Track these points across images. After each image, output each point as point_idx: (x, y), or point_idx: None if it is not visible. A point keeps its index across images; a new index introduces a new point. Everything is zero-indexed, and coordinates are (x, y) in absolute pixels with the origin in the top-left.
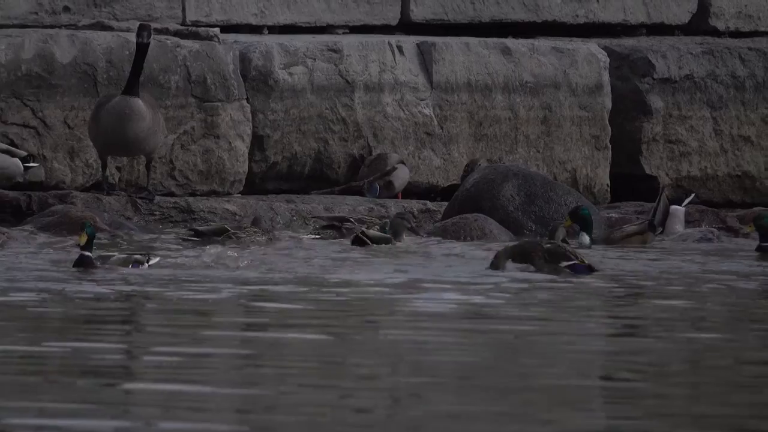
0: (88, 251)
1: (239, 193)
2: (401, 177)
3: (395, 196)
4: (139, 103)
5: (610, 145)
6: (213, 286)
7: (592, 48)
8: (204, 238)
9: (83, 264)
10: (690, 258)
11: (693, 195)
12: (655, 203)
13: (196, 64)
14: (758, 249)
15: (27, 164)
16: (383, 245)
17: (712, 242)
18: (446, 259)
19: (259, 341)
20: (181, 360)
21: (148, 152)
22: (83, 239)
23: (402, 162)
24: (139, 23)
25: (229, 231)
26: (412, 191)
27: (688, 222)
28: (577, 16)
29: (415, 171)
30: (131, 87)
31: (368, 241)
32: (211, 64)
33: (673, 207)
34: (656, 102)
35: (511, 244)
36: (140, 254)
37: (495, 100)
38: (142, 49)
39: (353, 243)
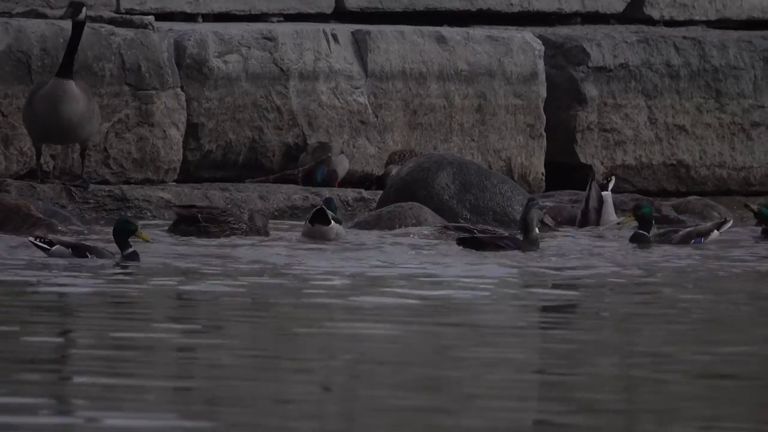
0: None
1: (174, 181)
2: (342, 166)
3: (334, 185)
4: (72, 86)
5: (544, 134)
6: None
7: (527, 36)
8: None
9: None
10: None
11: (614, 177)
12: (587, 192)
13: (130, 52)
14: (632, 239)
15: None
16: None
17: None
18: None
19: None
20: None
21: (83, 139)
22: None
23: (342, 152)
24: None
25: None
26: (347, 180)
27: (623, 211)
28: (512, 4)
29: (350, 160)
30: (65, 69)
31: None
32: (145, 52)
33: (604, 194)
34: (591, 90)
35: None
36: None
37: (430, 88)
38: (77, 29)
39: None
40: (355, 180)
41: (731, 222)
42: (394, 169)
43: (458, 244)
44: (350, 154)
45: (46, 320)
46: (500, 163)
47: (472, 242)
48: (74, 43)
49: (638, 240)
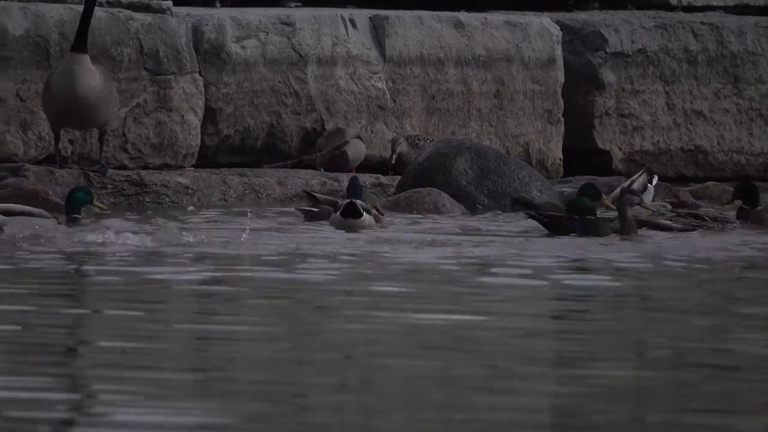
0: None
1: (192, 166)
2: (357, 151)
3: (349, 170)
4: (87, 60)
5: (562, 119)
6: None
7: (545, 22)
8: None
9: None
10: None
11: (656, 177)
12: (635, 176)
13: (148, 37)
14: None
15: None
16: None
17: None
18: None
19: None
20: None
21: (101, 123)
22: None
23: (359, 137)
24: None
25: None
26: (365, 165)
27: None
28: None
29: (368, 145)
30: (79, 43)
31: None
32: (163, 37)
33: (649, 185)
34: (609, 76)
35: None
36: None
37: (448, 73)
38: (89, 1)
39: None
40: (373, 165)
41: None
42: (399, 148)
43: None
44: (368, 139)
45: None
46: (518, 149)
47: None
48: (87, 17)
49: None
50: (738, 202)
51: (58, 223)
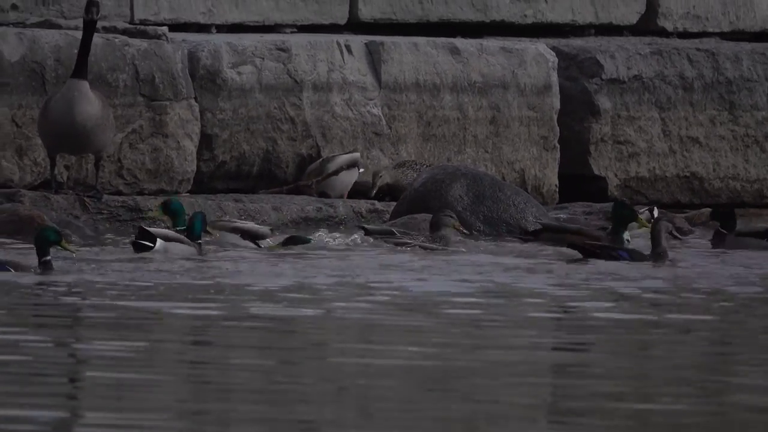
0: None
1: (187, 192)
2: (343, 182)
3: (340, 197)
4: (86, 86)
5: (558, 146)
6: None
7: (541, 48)
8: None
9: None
10: None
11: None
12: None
13: (144, 63)
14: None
15: None
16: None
17: None
18: None
19: None
20: None
21: (97, 149)
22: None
23: (353, 165)
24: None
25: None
26: (359, 191)
27: None
28: (526, 16)
29: (363, 171)
30: (79, 70)
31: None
32: (159, 63)
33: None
34: (605, 102)
35: None
36: None
37: (443, 100)
38: (89, 27)
39: None
40: (368, 191)
41: None
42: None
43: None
44: (364, 165)
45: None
46: (514, 175)
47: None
48: (86, 43)
49: None
50: (714, 224)
51: (34, 272)
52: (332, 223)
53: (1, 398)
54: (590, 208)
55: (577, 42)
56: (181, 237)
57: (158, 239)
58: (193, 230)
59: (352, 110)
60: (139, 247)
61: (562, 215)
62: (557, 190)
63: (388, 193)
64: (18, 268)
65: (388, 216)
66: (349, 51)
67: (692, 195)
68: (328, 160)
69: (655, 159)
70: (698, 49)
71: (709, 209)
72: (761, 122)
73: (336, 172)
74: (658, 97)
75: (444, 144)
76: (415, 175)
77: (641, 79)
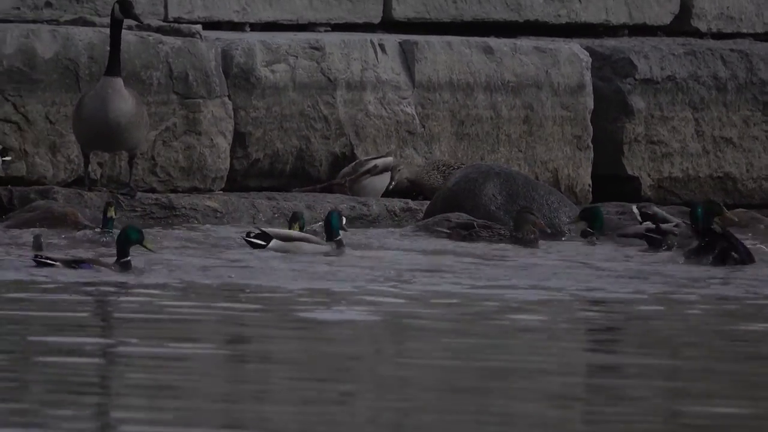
0: None
1: (221, 189)
2: (376, 185)
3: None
4: (120, 83)
5: (591, 146)
6: None
7: (574, 48)
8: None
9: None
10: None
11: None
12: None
13: (178, 61)
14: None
15: (2, 158)
16: None
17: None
18: None
19: None
20: None
21: (131, 146)
22: None
23: (387, 169)
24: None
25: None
26: (393, 190)
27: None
28: (559, 15)
29: (397, 170)
30: (112, 67)
31: None
32: (193, 61)
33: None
34: (638, 102)
35: None
36: None
37: (477, 99)
38: (117, 25)
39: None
40: (403, 189)
41: None
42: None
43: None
44: (394, 158)
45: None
46: (547, 174)
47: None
48: (116, 41)
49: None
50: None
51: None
52: (365, 222)
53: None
54: (623, 208)
55: (610, 42)
56: (308, 236)
57: (274, 239)
58: (331, 228)
59: (385, 109)
60: (253, 246)
61: None
62: (590, 189)
63: (411, 189)
64: (99, 265)
65: (421, 215)
66: (383, 50)
67: (725, 195)
68: (362, 164)
69: (689, 159)
70: (732, 50)
71: (742, 210)
72: None
73: (370, 171)
74: (691, 97)
75: (477, 143)
76: (441, 178)
77: (675, 79)
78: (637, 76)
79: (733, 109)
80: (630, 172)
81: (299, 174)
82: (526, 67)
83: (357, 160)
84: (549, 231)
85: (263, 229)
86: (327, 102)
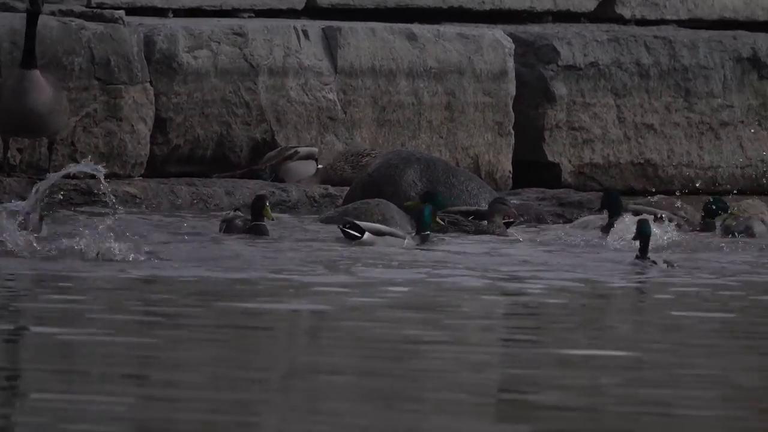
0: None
1: (140, 175)
2: (300, 172)
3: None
4: (37, 75)
5: (513, 132)
6: None
7: (498, 34)
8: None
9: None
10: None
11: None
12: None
13: (100, 47)
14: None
15: None
16: None
17: None
18: None
19: None
20: None
21: (51, 133)
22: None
23: (311, 157)
24: None
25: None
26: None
27: (589, 209)
28: (483, 2)
29: (318, 156)
30: (27, 60)
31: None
32: (115, 47)
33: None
34: (560, 89)
35: None
36: None
37: (399, 85)
38: (33, 17)
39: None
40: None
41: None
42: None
43: None
44: (319, 150)
45: None
46: (468, 161)
47: None
48: (31, 33)
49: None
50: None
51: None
52: (285, 207)
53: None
54: (543, 194)
55: (534, 28)
56: (394, 231)
57: (366, 232)
58: (422, 221)
59: (307, 95)
60: (348, 237)
61: (515, 201)
62: (511, 176)
63: (323, 182)
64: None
65: (341, 201)
66: (306, 36)
67: (646, 182)
68: (286, 149)
69: (610, 146)
70: (655, 37)
71: (662, 196)
72: (716, 110)
73: (291, 157)
74: (614, 84)
75: (398, 129)
76: (350, 169)
77: (597, 65)
78: (559, 63)
79: (656, 95)
80: (551, 159)
81: (220, 160)
82: (449, 53)
83: (282, 146)
84: (522, 219)
85: (356, 222)
86: (249, 88)
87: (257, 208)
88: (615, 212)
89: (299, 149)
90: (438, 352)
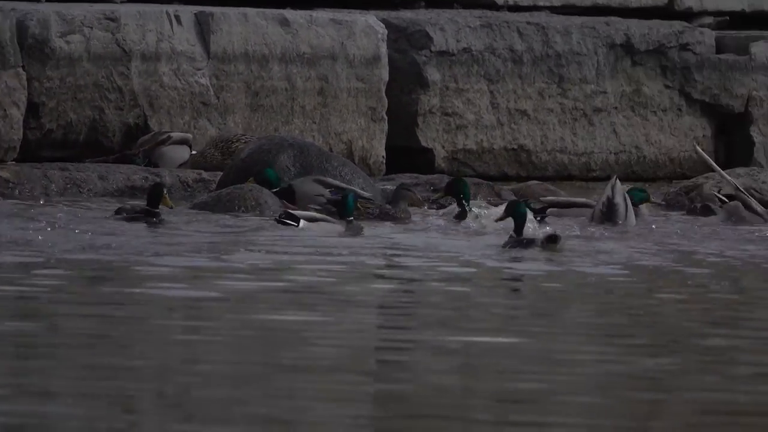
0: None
1: (13, 160)
2: (174, 156)
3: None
4: None
5: (386, 117)
6: None
7: (371, 20)
8: None
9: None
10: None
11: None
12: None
13: None
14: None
15: None
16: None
17: None
18: None
19: None
20: None
21: None
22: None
23: (185, 142)
24: None
25: None
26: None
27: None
28: None
29: (192, 141)
30: None
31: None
32: None
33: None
34: (433, 74)
35: None
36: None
37: (272, 70)
38: None
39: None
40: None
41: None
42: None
43: None
44: (192, 135)
45: None
46: (341, 146)
47: None
48: None
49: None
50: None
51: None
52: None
53: None
54: (417, 180)
55: (407, 14)
56: (326, 217)
57: (301, 220)
58: (345, 207)
59: (180, 80)
60: (285, 225)
61: (388, 186)
62: (384, 161)
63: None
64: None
65: (214, 186)
66: (179, 21)
67: (520, 167)
68: (160, 134)
69: (483, 131)
70: (528, 23)
71: (536, 182)
72: (590, 96)
73: (163, 142)
74: (487, 69)
75: (272, 114)
76: (219, 156)
77: (471, 51)
78: (432, 49)
79: (529, 81)
80: (424, 144)
81: (93, 145)
82: (322, 39)
83: (157, 131)
84: (426, 207)
85: (289, 211)
86: (121, 73)
87: (155, 195)
88: (465, 198)
89: (172, 134)
90: (315, 337)
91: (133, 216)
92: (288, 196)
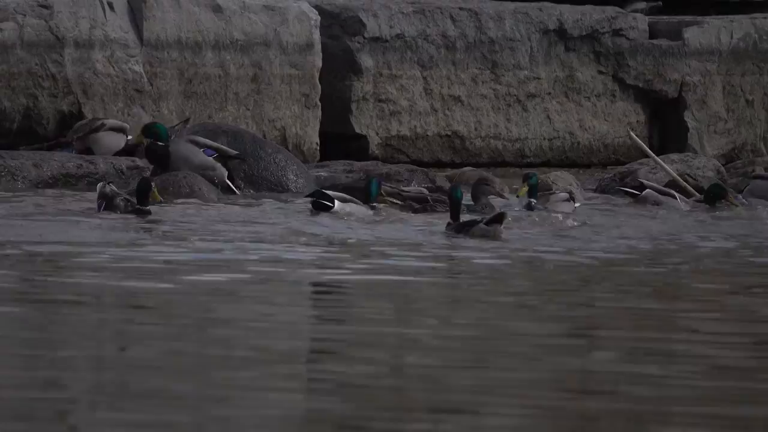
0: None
1: None
2: (110, 143)
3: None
4: None
5: (320, 104)
6: None
7: (304, 6)
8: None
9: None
10: None
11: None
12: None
13: None
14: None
15: None
16: None
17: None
18: None
19: None
20: None
21: None
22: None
23: (121, 130)
24: None
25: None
26: (122, 148)
27: (400, 181)
28: None
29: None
30: None
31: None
32: None
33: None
34: (367, 61)
35: None
36: None
37: (205, 57)
38: None
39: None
40: (130, 149)
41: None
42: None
43: None
44: (125, 122)
45: None
46: (275, 133)
47: None
48: None
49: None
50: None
51: None
52: (93, 180)
53: None
54: (351, 167)
55: (340, 1)
56: (354, 199)
57: (336, 201)
58: (369, 193)
59: (113, 67)
60: (318, 206)
61: (323, 173)
62: (318, 148)
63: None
64: None
65: (148, 173)
66: (111, 8)
67: (454, 154)
68: (96, 120)
69: (417, 117)
70: (461, 9)
71: (470, 168)
72: (523, 81)
73: (97, 129)
74: (420, 56)
75: (205, 101)
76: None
77: (404, 37)
78: (365, 35)
79: (462, 67)
80: (358, 131)
81: (27, 132)
82: (255, 25)
83: (93, 117)
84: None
85: (326, 192)
86: (55, 60)
87: (143, 191)
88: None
89: (106, 122)
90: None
91: (123, 210)
92: (163, 156)
